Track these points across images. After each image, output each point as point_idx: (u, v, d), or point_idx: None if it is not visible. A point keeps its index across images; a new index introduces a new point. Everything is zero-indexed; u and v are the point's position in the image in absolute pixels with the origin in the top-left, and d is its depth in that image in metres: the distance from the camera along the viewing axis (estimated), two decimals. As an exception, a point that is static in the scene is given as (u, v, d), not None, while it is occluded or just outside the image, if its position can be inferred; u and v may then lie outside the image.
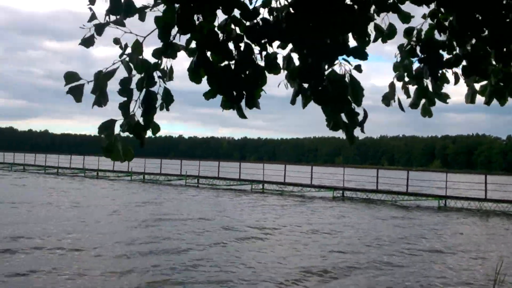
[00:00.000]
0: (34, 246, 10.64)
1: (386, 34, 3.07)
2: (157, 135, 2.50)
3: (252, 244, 12.37)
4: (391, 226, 17.12)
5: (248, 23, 2.43)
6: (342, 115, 2.56)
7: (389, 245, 12.92)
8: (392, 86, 3.34)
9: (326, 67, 2.51)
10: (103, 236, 12.27)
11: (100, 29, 2.35)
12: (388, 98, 3.35)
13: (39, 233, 12.28)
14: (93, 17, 2.35)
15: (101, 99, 2.31)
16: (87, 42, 2.39)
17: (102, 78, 2.29)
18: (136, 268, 9.09)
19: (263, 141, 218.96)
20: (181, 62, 2.71)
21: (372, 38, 2.83)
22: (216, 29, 2.40)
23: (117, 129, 2.29)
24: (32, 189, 27.24)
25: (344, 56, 2.52)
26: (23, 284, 7.75)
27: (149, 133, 2.43)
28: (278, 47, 2.60)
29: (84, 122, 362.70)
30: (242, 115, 2.53)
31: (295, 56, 2.62)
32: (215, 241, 12.39)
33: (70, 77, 2.27)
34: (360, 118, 2.56)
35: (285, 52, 2.66)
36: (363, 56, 2.54)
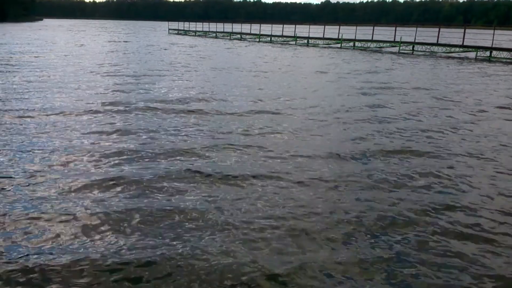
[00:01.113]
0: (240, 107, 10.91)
1: None
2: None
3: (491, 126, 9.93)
4: None
5: None
6: None
7: None
8: None
9: None
10: (320, 102, 11.95)
11: None
12: None
13: (257, 96, 12.58)
14: None
15: None
16: None
17: None
18: (356, 137, 8.46)
19: (494, 3, 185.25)
20: None
21: None
22: None
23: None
24: (250, 56, 28.53)
25: None
26: (226, 140, 7.87)
27: None
28: None
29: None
30: None
31: None
32: (446, 116, 10.68)
33: None
34: None
35: None
36: None
